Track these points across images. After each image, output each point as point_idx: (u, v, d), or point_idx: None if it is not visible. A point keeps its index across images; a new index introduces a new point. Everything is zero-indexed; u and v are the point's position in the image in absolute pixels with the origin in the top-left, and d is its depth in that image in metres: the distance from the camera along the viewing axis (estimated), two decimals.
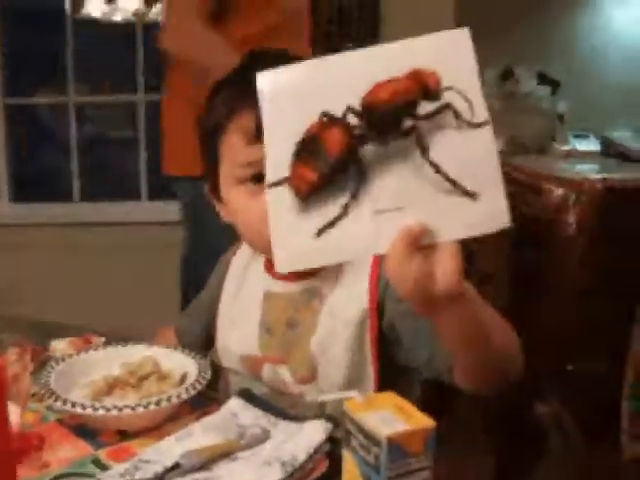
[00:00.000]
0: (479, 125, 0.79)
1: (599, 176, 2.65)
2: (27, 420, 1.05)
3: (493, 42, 3.45)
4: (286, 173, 0.81)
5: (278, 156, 0.82)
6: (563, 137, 3.61)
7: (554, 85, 3.57)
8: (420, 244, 0.77)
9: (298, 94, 0.82)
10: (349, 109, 0.80)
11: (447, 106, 0.79)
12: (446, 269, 0.78)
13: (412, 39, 0.81)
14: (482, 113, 0.79)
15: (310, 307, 1.17)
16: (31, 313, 2.13)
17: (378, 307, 1.13)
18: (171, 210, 3.63)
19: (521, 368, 1.01)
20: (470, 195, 0.78)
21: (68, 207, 3.79)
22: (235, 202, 1.16)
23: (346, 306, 1.14)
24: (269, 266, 1.23)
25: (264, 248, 1.18)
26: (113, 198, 3.87)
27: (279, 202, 0.81)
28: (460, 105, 0.79)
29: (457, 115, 0.79)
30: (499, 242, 2.16)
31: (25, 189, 3.94)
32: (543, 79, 3.52)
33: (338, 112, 0.80)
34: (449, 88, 0.79)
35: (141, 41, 3.72)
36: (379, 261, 1.13)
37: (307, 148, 0.80)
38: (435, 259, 0.78)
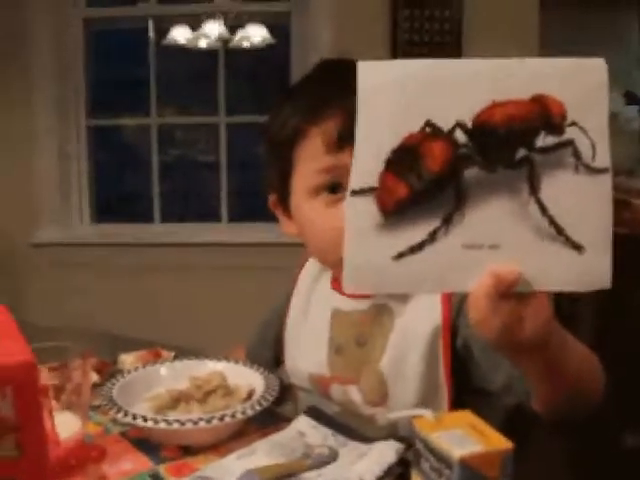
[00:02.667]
0: (599, 171, 0.72)
1: None
2: (89, 431, 1.02)
3: None
4: (374, 183, 0.73)
5: (367, 161, 0.73)
6: None
7: None
8: (511, 291, 0.72)
9: (403, 94, 0.73)
10: (458, 124, 0.72)
11: (568, 143, 0.72)
12: (536, 317, 0.73)
13: (544, 59, 0.74)
14: (605, 159, 0.72)
15: (380, 324, 1.12)
16: (108, 328, 2.14)
17: (451, 324, 1.06)
18: (250, 232, 3.66)
19: (601, 396, 0.95)
20: (575, 247, 0.72)
21: (148, 228, 3.83)
22: (308, 213, 1.10)
23: (417, 324, 1.08)
24: (336, 283, 1.18)
25: (335, 262, 1.13)
26: (194, 220, 3.89)
27: (359, 213, 0.73)
28: (582, 145, 0.72)
29: (577, 156, 0.72)
30: None
31: (107, 210, 4.00)
32: (631, 99, 3.43)
33: (445, 125, 0.73)
34: (574, 123, 0.71)
35: (223, 66, 3.75)
36: None
37: (403, 159, 0.73)
38: (525, 306, 0.73)
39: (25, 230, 3.57)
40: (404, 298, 1.10)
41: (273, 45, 3.81)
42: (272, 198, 1.18)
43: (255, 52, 3.84)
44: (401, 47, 3.35)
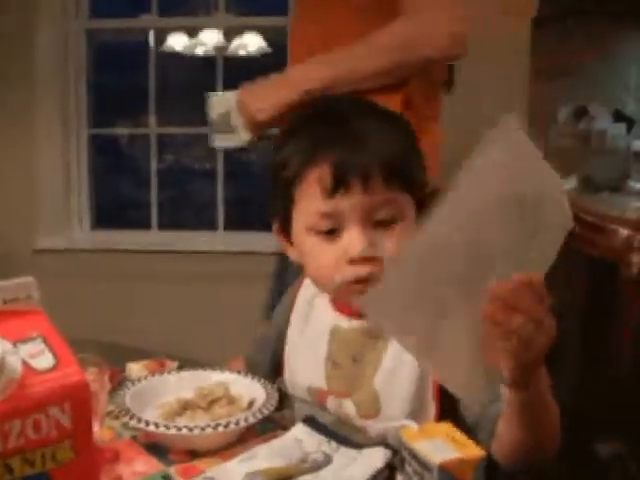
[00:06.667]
0: None
1: None
2: (103, 436, 1.11)
3: (567, 80, 3.47)
4: None
5: None
6: (638, 176, 3.58)
7: (629, 123, 3.55)
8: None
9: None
10: None
11: None
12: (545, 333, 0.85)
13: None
14: None
15: (374, 343, 1.20)
16: (107, 337, 2.22)
17: None
18: (246, 241, 3.74)
19: (555, 453, 1.04)
20: None
21: (146, 235, 3.91)
22: (306, 246, 1.19)
23: None
24: (335, 302, 1.27)
25: (331, 291, 1.23)
26: (190, 227, 3.97)
27: None
28: None
29: None
30: (566, 280, 2.16)
31: (105, 217, 4.07)
32: (618, 117, 3.51)
33: None
34: None
35: (221, 74, 3.83)
36: None
37: None
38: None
39: (26, 236, 3.65)
40: None
41: (269, 54, 3.90)
42: (275, 225, 1.26)
43: (251, 61, 3.92)
44: None
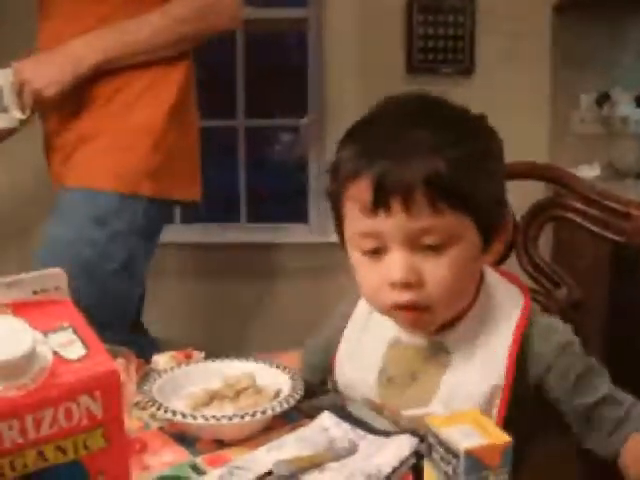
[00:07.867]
0: None
1: None
2: (131, 426, 1.12)
3: (589, 66, 3.45)
4: None
5: None
6: None
7: None
8: None
9: None
10: None
11: None
12: None
13: None
14: None
15: (436, 363, 1.15)
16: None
17: (513, 382, 1.10)
18: (268, 233, 3.74)
19: None
20: None
21: (170, 227, 3.87)
22: (354, 263, 1.14)
23: (475, 380, 1.11)
24: None
25: (379, 311, 1.17)
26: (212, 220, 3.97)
27: None
28: None
29: None
30: (592, 270, 2.15)
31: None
32: None
33: None
34: None
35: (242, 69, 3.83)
36: (519, 337, 1.12)
37: None
38: None
39: None
40: (467, 349, 1.14)
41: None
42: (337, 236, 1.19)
43: None
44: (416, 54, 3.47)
